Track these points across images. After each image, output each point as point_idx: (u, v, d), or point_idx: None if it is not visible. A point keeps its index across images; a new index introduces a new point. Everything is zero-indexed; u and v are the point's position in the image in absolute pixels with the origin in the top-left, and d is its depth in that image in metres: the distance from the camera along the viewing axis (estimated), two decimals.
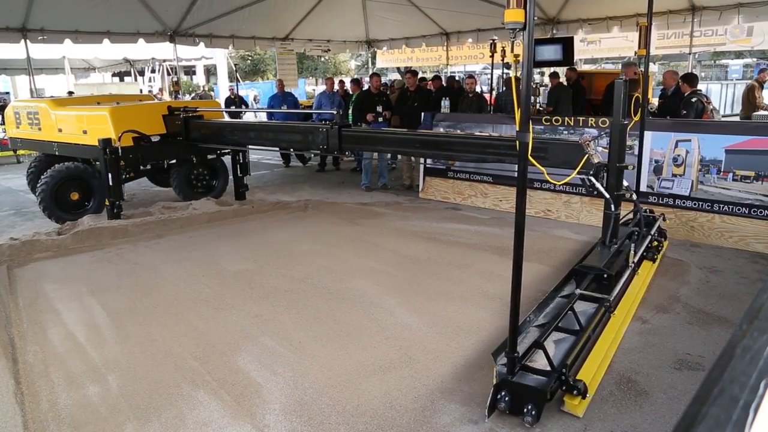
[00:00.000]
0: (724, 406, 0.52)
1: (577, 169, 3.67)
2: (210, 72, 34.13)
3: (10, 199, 8.44)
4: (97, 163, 6.71)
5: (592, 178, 3.82)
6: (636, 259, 4.15)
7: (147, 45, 12.55)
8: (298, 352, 3.37)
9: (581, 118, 6.44)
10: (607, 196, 4.00)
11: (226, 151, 7.62)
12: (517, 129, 2.54)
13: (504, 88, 10.16)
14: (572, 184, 6.00)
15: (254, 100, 15.79)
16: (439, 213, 7.00)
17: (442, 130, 7.48)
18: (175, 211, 6.73)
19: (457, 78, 14.40)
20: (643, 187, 5.96)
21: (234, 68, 21.11)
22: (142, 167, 7.12)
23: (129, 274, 4.85)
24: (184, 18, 11.70)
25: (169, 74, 25.33)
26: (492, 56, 11.92)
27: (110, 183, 6.36)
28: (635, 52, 5.22)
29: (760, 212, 5.23)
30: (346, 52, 21.09)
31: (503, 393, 2.66)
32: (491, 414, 2.67)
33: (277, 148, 8.65)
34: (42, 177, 6.68)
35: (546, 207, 6.71)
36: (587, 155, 3.80)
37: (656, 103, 9.14)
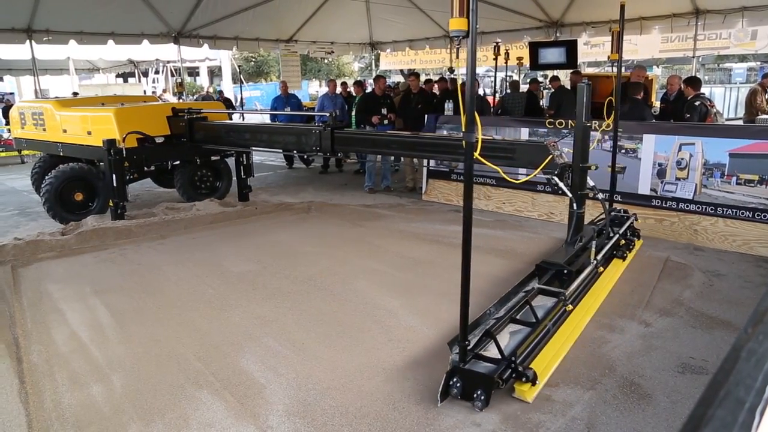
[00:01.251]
0: (729, 408, 0.53)
1: (539, 169, 3.94)
2: (214, 73, 34.27)
3: (14, 199, 8.48)
4: (102, 163, 6.73)
5: (556, 178, 4.04)
6: (599, 257, 4.21)
7: (151, 46, 12.62)
8: (301, 353, 3.38)
9: None
10: (570, 195, 4.16)
11: (230, 152, 7.65)
12: (463, 130, 2.62)
13: (509, 91, 10.16)
14: None
15: (240, 103, 15.96)
16: (442, 215, 7.01)
17: (445, 132, 7.48)
18: (179, 212, 6.75)
19: (444, 77, 14.38)
20: (646, 191, 5.96)
21: (238, 69, 21.13)
22: (146, 168, 7.15)
23: (132, 275, 4.87)
24: (188, 19, 11.76)
25: (172, 75, 25.43)
26: (495, 59, 11.95)
27: (114, 184, 6.38)
28: (608, 57, 5.28)
29: (764, 216, 5.22)
30: (350, 54, 21.13)
31: (455, 379, 2.78)
32: (444, 399, 2.78)
33: (274, 150, 8.70)
34: (46, 177, 6.70)
35: (549, 210, 6.71)
36: (551, 156, 4.00)
37: (659, 107, 9.14)
